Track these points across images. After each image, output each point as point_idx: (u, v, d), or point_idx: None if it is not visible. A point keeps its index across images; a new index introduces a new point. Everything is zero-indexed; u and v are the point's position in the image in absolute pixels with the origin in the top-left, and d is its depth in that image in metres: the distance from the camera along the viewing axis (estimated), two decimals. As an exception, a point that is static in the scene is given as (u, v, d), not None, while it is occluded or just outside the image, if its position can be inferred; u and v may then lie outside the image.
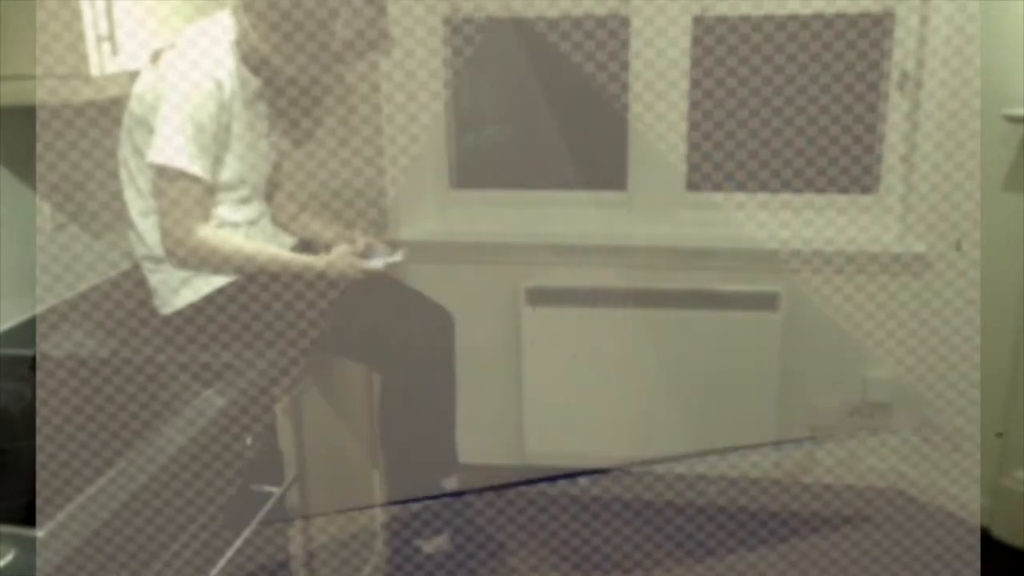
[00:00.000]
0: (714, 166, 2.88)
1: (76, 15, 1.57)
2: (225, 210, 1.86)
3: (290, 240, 2.03)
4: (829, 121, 2.69)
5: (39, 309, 1.84)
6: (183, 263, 1.81)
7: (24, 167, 1.80)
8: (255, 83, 1.84)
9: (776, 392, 2.80)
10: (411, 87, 2.89)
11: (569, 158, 3.01)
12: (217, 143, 1.78)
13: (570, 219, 2.95)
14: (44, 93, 1.60)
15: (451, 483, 2.27)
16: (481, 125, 3.19)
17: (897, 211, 2.79)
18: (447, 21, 2.89)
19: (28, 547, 1.17)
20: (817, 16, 2.61)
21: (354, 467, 2.24)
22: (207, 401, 1.57)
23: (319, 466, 1.97)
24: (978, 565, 2.37)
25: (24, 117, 1.74)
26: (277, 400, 1.78)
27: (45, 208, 1.85)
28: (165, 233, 1.79)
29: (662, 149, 2.85)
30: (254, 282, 1.84)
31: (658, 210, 2.91)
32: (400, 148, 2.97)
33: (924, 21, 2.59)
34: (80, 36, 1.58)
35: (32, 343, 1.76)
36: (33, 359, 1.68)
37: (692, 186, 2.89)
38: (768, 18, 2.65)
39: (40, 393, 1.54)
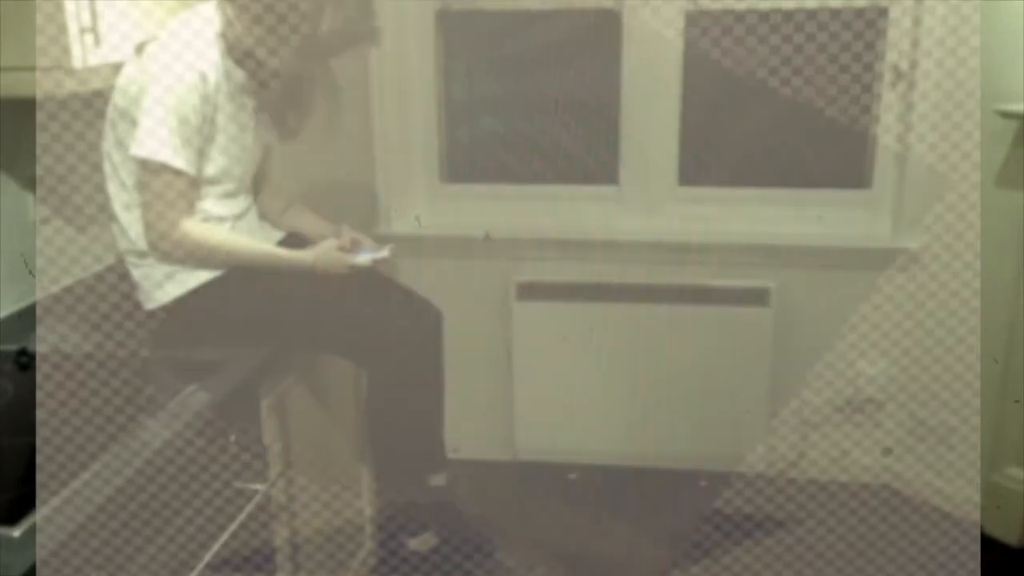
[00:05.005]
0: (706, 161, 2.87)
1: (58, 7, 1.55)
2: (210, 204, 1.84)
3: (276, 235, 2.02)
4: (822, 116, 2.69)
5: (23, 304, 1.82)
6: (167, 257, 1.79)
7: (9, 160, 1.78)
8: (240, 76, 1.82)
9: (767, 388, 2.80)
10: (401, 81, 2.87)
11: (560, 152, 2.99)
12: (201, 136, 1.76)
13: (561, 214, 2.94)
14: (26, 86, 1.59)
15: (439, 480, 2.26)
16: (471, 119, 3.17)
17: (889, 206, 2.78)
18: (438, 14, 2.88)
19: (6, 546, 1.16)
20: (809, 11, 2.60)
21: (340, 464, 2.23)
22: (191, 397, 1.56)
23: (304, 463, 1.96)
24: (977, 564, 2.36)
25: (10, 110, 1.72)
26: (262, 396, 1.77)
27: (29, 202, 1.84)
28: (148, 226, 1.77)
29: (654, 143, 2.84)
30: (239, 277, 1.83)
31: (650, 205, 2.90)
32: (390, 142, 2.95)
33: (917, 20, 2.58)
34: (62, 28, 1.56)
35: (15, 338, 1.74)
36: (16, 353, 1.66)
37: (684, 181, 2.89)
38: (760, 13, 2.64)
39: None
